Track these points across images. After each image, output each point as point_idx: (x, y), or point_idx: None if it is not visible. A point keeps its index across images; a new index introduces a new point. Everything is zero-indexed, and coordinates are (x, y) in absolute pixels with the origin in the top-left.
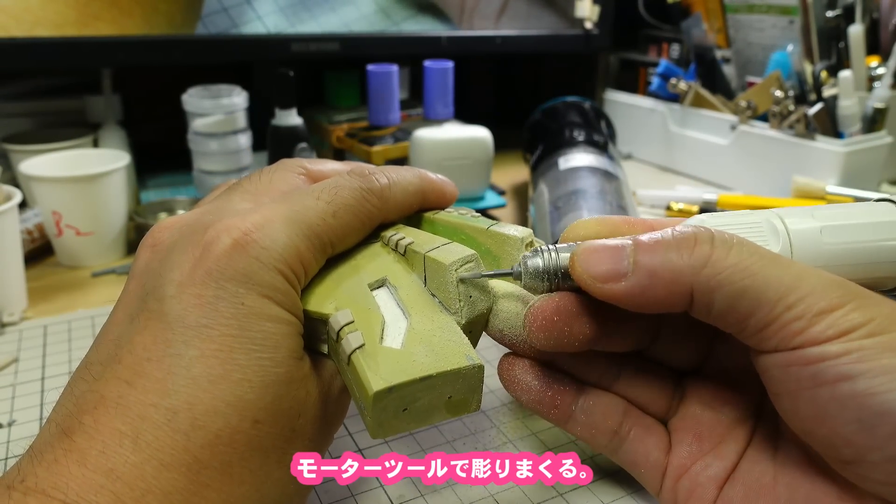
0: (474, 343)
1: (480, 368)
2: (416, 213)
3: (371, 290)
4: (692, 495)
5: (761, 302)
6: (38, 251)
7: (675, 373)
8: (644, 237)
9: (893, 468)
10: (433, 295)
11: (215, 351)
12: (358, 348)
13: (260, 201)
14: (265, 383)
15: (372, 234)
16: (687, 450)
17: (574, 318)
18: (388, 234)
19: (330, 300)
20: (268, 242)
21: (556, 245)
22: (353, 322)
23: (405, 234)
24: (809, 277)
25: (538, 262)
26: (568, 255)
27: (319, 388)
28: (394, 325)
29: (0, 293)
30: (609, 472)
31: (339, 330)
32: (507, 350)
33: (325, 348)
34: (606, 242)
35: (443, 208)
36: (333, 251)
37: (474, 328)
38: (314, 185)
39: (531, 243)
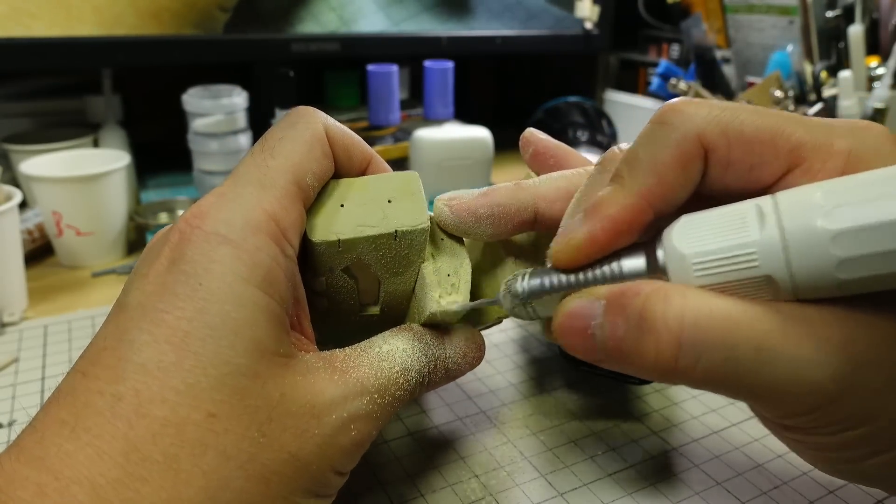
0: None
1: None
2: None
3: None
4: None
5: (735, 396)
6: (39, 251)
7: None
8: (609, 327)
9: None
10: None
11: (168, 336)
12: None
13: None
14: (221, 374)
15: None
16: None
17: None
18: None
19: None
20: (225, 215)
21: (533, 271)
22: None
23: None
24: (794, 382)
25: (517, 288)
26: (538, 282)
27: (304, 393)
28: None
29: (0, 293)
30: (609, 472)
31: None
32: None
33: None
34: (573, 325)
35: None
36: (314, 185)
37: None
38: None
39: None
